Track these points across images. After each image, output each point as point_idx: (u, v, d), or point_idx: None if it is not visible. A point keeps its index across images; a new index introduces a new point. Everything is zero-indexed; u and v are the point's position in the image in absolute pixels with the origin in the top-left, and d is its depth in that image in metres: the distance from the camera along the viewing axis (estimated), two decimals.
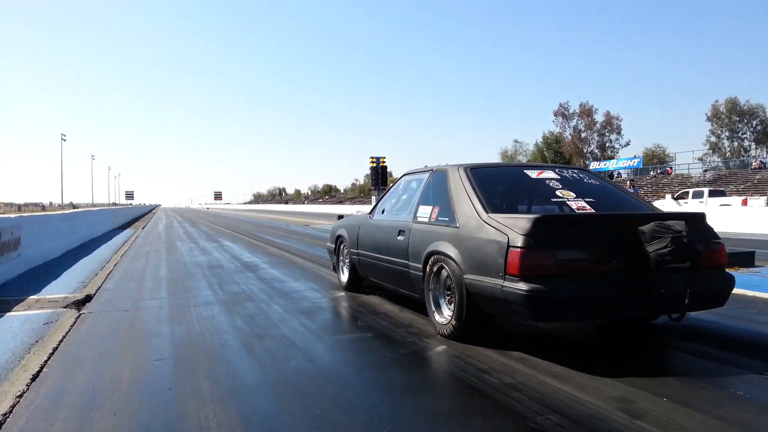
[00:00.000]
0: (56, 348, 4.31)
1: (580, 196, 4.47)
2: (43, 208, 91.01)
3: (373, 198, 23.92)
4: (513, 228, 3.73)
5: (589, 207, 4.31)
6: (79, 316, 5.51)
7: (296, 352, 4.10)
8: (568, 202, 4.38)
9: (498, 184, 4.84)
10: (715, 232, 4.10)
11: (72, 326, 5.05)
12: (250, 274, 8.42)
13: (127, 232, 21.56)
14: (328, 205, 74.18)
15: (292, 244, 14.17)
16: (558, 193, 4.51)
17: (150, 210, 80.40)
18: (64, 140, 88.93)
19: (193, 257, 11.18)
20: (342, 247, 6.91)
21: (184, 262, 10.36)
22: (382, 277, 5.79)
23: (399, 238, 5.19)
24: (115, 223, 25.06)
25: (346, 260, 6.76)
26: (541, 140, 77.84)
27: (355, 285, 6.60)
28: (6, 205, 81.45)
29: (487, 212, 4.13)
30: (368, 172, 29.25)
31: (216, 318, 5.33)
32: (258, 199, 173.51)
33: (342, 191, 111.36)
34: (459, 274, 4.14)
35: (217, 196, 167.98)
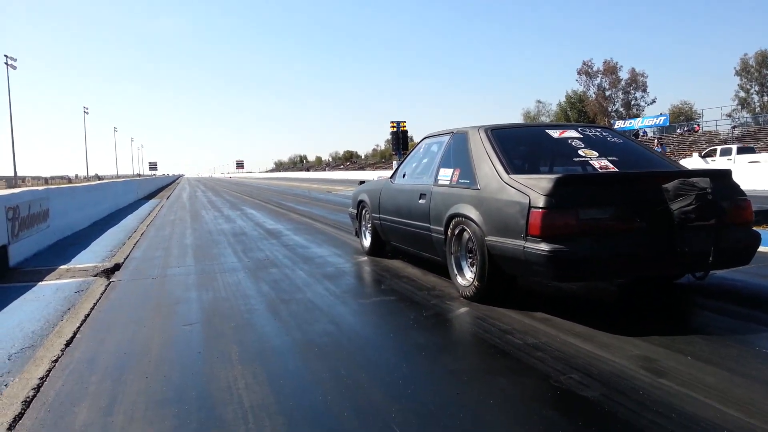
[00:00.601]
0: (88, 315, 4.44)
1: (603, 155, 4.44)
2: (69, 180, 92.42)
3: (394, 163, 23.87)
4: (534, 188, 3.75)
5: (612, 166, 4.29)
6: (109, 284, 5.65)
7: (321, 315, 4.16)
8: (590, 162, 4.36)
9: (519, 145, 4.84)
10: (741, 189, 4.07)
11: (102, 294, 5.18)
12: (274, 241, 8.51)
13: (152, 202, 21.88)
14: (350, 172, 74.26)
15: (314, 211, 14.25)
16: (580, 152, 4.49)
17: (174, 180, 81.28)
18: (87, 113, 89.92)
19: (218, 225, 11.32)
20: (364, 212, 6.97)
21: (209, 230, 10.50)
22: (404, 241, 5.85)
23: (420, 201, 5.24)
24: (140, 193, 25.41)
25: (368, 225, 6.81)
26: (565, 100, 76.53)
27: (377, 249, 6.66)
28: (33, 178, 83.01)
29: (509, 173, 4.13)
30: (389, 137, 29.09)
31: (242, 284, 5.42)
32: (279, 167, 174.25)
33: (363, 157, 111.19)
34: (480, 236, 4.18)
35: (239, 165, 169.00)
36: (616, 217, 3.65)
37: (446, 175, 4.95)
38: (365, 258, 6.65)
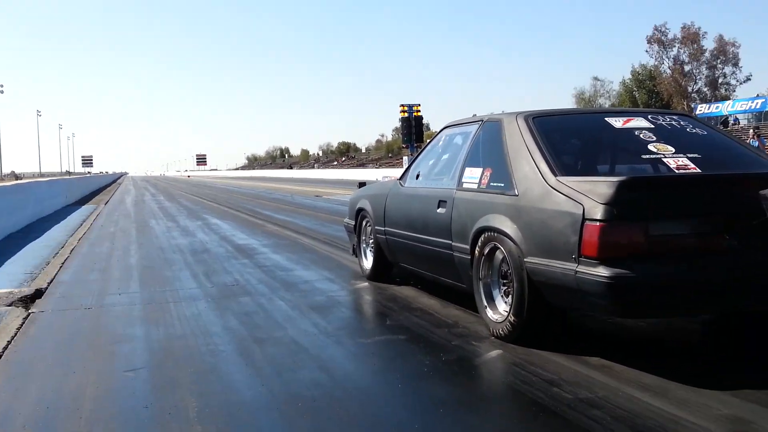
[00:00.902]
0: None
1: (681, 151, 4.38)
2: None
3: (405, 159, 23.88)
4: (590, 195, 3.68)
5: (693, 165, 4.23)
6: (28, 315, 5.66)
7: (307, 359, 4.17)
8: (664, 160, 4.31)
9: (571, 138, 4.91)
10: None
11: (19, 329, 5.19)
12: (246, 261, 8.54)
13: (87, 208, 21.99)
14: (346, 170, 74.51)
15: (299, 221, 14.27)
16: (651, 147, 4.43)
17: (114, 180, 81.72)
18: (1, 92, 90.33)
19: (172, 240, 11.37)
20: (365, 223, 6.95)
21: (161, 245, 10.54)
22: (416, 262, 5.87)
23: (439, 210, 5.22)
24: (70, 197, 25.52)
25: (370, 241, 6.79)
26: (630, 77, 76.77)
27: (381, 272, 6.66)
28: None
29: (556, 175, 4.08)
30: (397, 124, 29.12)
31: (203, 317, 5.43)
32: (254, 163, 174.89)
33: (363, 150, 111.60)
34: (518, 256, 4.14)
35: (201, 160, 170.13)
36: (698, 233, 3.64)
37: (473, 176, 4.92)
38: (366, 284, 6.65)
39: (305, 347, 4.45)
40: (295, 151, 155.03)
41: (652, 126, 4.67)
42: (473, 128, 5.30)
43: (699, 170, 4.18)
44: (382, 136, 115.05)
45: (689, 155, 4.30)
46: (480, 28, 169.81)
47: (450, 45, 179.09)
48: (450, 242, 4.99)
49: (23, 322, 5.40)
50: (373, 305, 5.78)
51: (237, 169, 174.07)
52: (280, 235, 11.54)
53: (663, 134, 4.59)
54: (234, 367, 4.08)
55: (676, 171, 4.19)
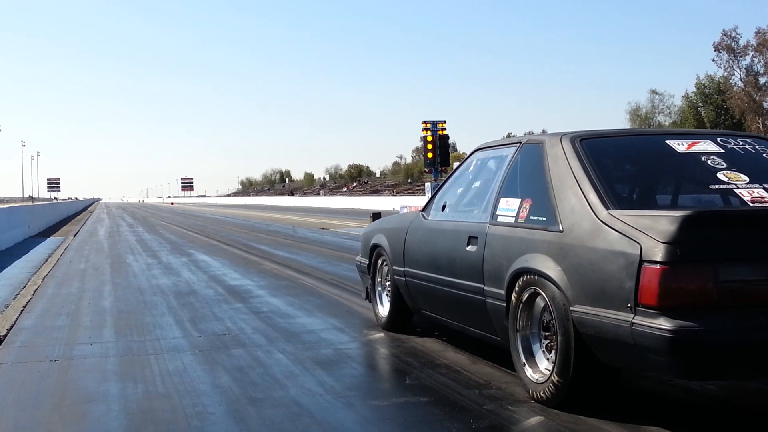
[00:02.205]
0: None
1: (756, 180, 4.36)
2: None
3: (428, 185, 23.90)
4: (649, 232, 3.65)
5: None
6: None
7: (311, 425, 4.16)
8: (737, 191, 4.29)
9: (626, 164, 4.95)
10: None
11: None
12: (239, 305, 8.57)
13: (53, 240, 22.16)
14: (357, 197, 74.74)
15: (302, 259, 14.31)
16: (721, 175, 4.41)
17: (85, 207, 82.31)
18: None
19: (153, 279, 11.43)
20: (381, 263, 6.96)
21: (139, 286, 10.60)
22: (442, 309, 5.87)
23: (469, 248, 5.19)
24: (33, 227, 25.76)
25: (387, 283, 6.78)
26: (694, 90, 76.76)
27: (400, 321, 6.67)
28: None
29: (608, 208, 4.06)
30: (418, 145, 29.11)
31: (189, 372, 5.44)
32: (248, 188, 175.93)
33: (378, 175, 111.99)
34: (563, 304, 4.10)
35: (187, 185, 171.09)
36: None
37: (510, 208, 4.89)
38: (381, 334, 6.66)
39: (309, 410, 4.44)
40: (298, 175, 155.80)
41: (722, 151, 4.66)
42: (510, 151, 5.28)
43: None
44: (400, 158, 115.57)
45: (766, 185, 4.30)
46: (516, 38, 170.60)
47: (480, 56, 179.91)
48: (482, 286, 4.97)
49: None
50: (389, 361, 5.77)
51: (229, 195, 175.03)
52: (280, 275, 11.57)
53: (735, 160, 4.58)
54: None
55: (751, 204, 4.17)
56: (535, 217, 4.58)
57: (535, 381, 4.39)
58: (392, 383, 5.17)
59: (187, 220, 38.53)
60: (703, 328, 3.41)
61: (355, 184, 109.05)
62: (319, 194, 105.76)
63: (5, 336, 6.94)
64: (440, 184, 6.52)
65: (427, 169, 24.66)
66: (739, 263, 3.58)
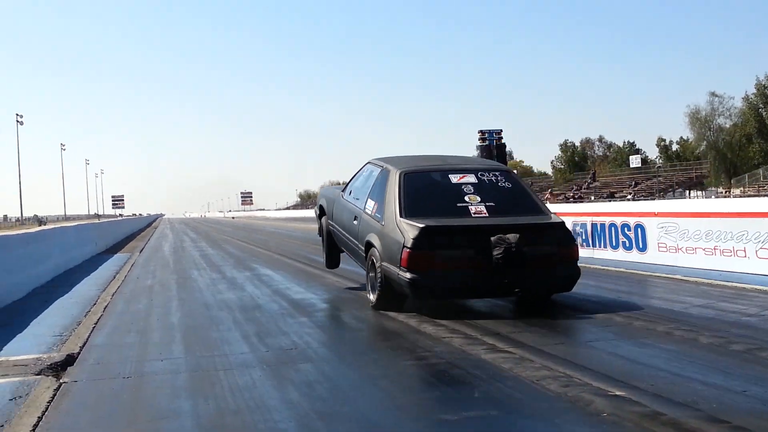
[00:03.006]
0: None
1: (484, 200, 8.59)
2: None
3: None
4: (407, 233, 7.95)
5: (485, 211, 8.45)
6: (60, 386, 5.80)
7: None
8: (470, 207, 8.51)
9: (423, 188, 8.97)
10: (570, 236, 8.77)
11: (50, 402, 5.32)
12: (304, 319, 8.62)
13: (120, 256, 22.48)
14: None
15: (363, 271, 14.30)
16: (466, 198, 8.63)
17: (149, 223, 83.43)
18: (21, 123, 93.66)
19: (218, 294, 11.55)
20: (323, 216, 11.73)
21: (205, 301, 10.73)
22: (347, 252, 10.66)
23: (354, 222, 9.67)
24: (100, 244, 26.15)
25: (324, 226, 11.70)
26: (755, 91, 75.15)
27: (334, 255, 11.72)
28: None
29: (401, 216, 8.25)
30: (474, 153, 28.93)
31: (258, 387, 5.49)
32: (307, 201, 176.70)
33: None
34: (380, 262, 8.44)
35: (246, 199, 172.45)
36: (463, 257, 7.94)
37: (370, 205, 9.23)
38: (453, 347, 6.66)
39: (379, 424, 4.46)
40: None
41: (476, 182, 8.90)
42: (378, 170, 9.66)
43: (488, 214, 8.41)
44: None
45: (487, 204, 8.51)
46: (571, 41, 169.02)
47: (536, 62, 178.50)
48: (359, 244, 9.36)
49: (54, 395, 5.54)
50: (457, 374, 5.75)
51: (288, 208, 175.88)
52: (342, 288, 11.61)
53: (480, 188, 8.79)
54: None
55: (473, 215, 8.38)
56: (377, 214, 8.90)
57: (371, 299, 8.88)
58: (463, 396, 5.14)
59: (249, 234, 38.87)
60: (422, 278, 7.80)
61: None
62: None
63: (78, 353, 7.06)
64: (353, 176, 10.95)
65: None
66: (444, 249, 7.93)
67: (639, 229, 13.62)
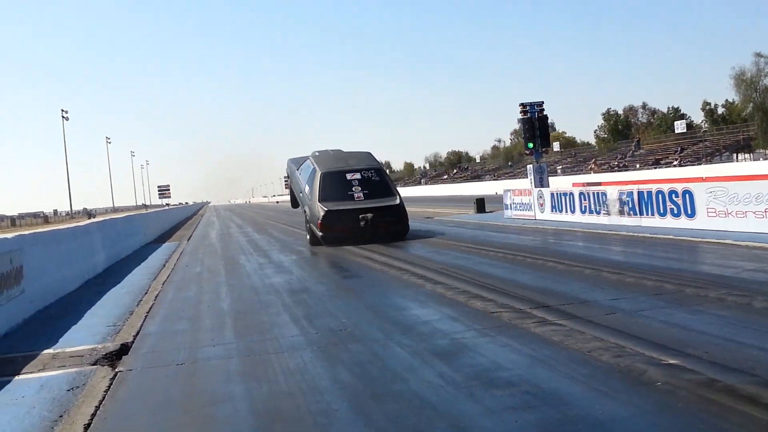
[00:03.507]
0: (88, 425, 4.64)
1: (362, 189, 17.80)
2: (46, 219, 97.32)
3: (530, 168, 23.58)
4: (320, 212, 17.24)
5: (362, 197, 17.63)
6: (116, 375, 5.90)
7: (435, 418, 4.18)
8: (355, 195, 17.65)
9: (331, 183, 17.92)
10: (402, 210, 17.98)
11: (107, 391, 5.42)
12: (351, 300, 8.63)
13: (167, 246, 22.73)
14: (459, 184, 74.41)
15: (408, 249, 14.39)
16: (354, 189, 17.74)
17: (195, 211, 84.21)
18: (66, 119, 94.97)
19: (266, 278, 11.64)
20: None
21: (254, 286, 10.82)
22: (305, 220, 19.30)
23: (300, 194, 19.78)
24: (148, 234, 26.47)
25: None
26: None
27: (294, 202, 22.62)
28: None
29: (318, 201, 17.44)
30: (516, 127, 28.80)
31: (309, 369, 5.53)
32: None
33: (478, 160, 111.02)
34: (310, 225, 18.25)
35: (289, 182, 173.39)
36: (347, 225, 17.04)
37: (308, 189, 18.65)
38: (501, 321, 6.64)
39: (431, 403, 4.45)
40: (398, 165, 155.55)
41: (360, 177, 18.17)
42: (311, 168, 18.98)
43: (363, 199, 17.61)
44: (499, 141, 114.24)
45: (364, 191, 17.78)
46: (609, 4, 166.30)
47: (574, 32, 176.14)
48: (303, 207, 19.59)
49: (110, 383, 5.63)
50: (508, 348, 5.71)
51: None
52: (389, 267, 11.62)
53: (362, 181, 18.06)
54: (352, 430, 4.12)
55: (356, 199, 17.57)
56: (309, 195, 18.35)
57: (307, 238, 18.58)
58: (513, 368, 5.11)
59: (292, 217, 38.90)
60: (326, 235, 17.16)
61: (455, 171, 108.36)
62: (420, 183, 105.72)
63: (132, 342, 7.16)
64: (302, 160, 20.97)
65: (527, 151, 24.22)
66: (337, 221, 17.08)
67: (687, 195, 13.42)
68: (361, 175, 18.25)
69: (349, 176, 18.07)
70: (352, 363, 5.61)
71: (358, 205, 17.28)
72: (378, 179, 18.40)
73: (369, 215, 16.88)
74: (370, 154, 21.15)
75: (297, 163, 21.42)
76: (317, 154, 20.57)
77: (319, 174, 18.15)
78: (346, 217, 16.95)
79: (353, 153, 20.93)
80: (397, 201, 17.83)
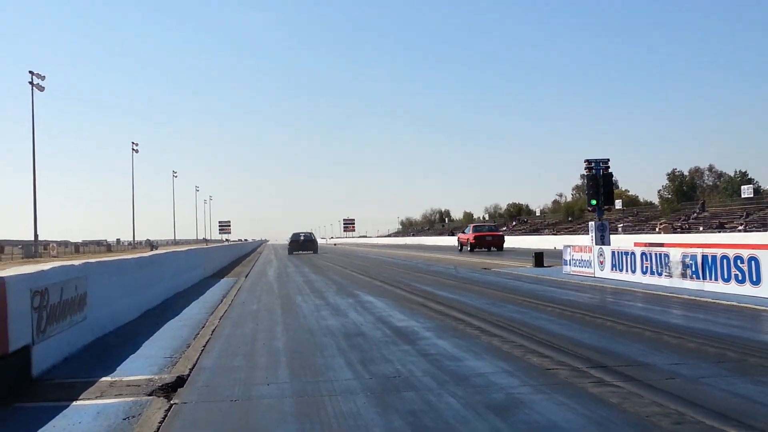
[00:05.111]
0: None
1: (304, 238, 59.18)
2: (109, 248, 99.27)
3: (592, 225, 23.39)
4: (290, 247, 59.64)
5: (303, 238, 58.99)
6: (170, 407, 5.98)
7: None
8: (301, 237, 59.03)
9: (294, 238, 59.08)
10: (315, 242, 60.43)
11: (162, 423, 5.50)
12: (407, 347, 8.63)
13: (226, 281, 22.97)
14: (518, 236, 73.98)
15: (465, 300, 14.27)
16: (301, 236, 58.95)
17: (254, 248, 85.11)
18: (136, 151, 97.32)
19: (322, 320, 11.68)
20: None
21: (309, 327, 10.86)
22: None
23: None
24: (208, 268, 26.80)
25: None
26: None
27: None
28: (60, 244, 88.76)
29: (290, 245, 59.65)
30: (578, 182, 28.59)
31: (362, 414, 5.53)
32: (408, 228, 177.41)
33: (538, 213, 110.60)
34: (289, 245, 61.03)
35: (348, 225, 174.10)
36: (294, 242, 59.59)
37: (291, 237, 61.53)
38: (544, 388, 6.55)
39: None
40: (457, 214, 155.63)
41: (304, 235, 59.50)
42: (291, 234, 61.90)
43: (303, 239, 59.42)
44: (560, 195, 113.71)
45: (303, 236, 59.72)
46: (679, 68, 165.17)
47: (644, 91, 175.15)
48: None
49: (165, 415, 5.71)
50: (564, 406, 5.65)
51: (389, 235, 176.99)
52: (445, 316, 11.58)
53: (305, 236, 59.38)
54: None
55: (301, 240, 59.14)
56: (290, 239, 61.97)
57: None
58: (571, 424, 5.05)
59: (350, 260, 39.20)
60: (291, 250, 59.65)
61: (514, 223, 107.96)
62: None
63: (188, 375, 7.25)
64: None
65: (589, 208, 24.05)
66: (293, 246, 58.88)
67: (753, 262, 13.15)
68: (304, 235, 57.56)
69: (300, 236, 57.23)
70: (405, 411, 5.60)
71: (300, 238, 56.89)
72: (310, 234, 59.27)
73: (302, 237, 56.90)
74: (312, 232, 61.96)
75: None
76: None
77: (291, 235, 58.68)
78: (296, 242, 56.38)
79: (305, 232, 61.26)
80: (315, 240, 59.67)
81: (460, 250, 47.81)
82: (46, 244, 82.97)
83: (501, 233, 51.56)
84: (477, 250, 44.46)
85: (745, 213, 60.32)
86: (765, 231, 44.74)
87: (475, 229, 47.24)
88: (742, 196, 64.11)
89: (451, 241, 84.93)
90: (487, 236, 45.40)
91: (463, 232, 50.82)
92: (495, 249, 44.46)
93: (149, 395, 6.42)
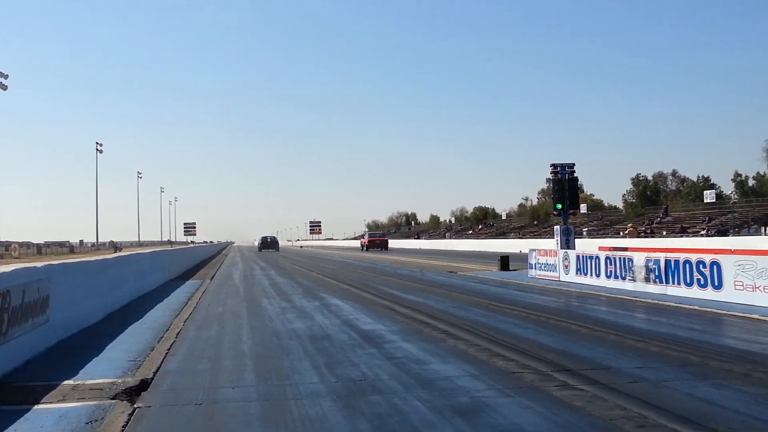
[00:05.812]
0: None
1: (268, 238, 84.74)
2: (72, 249, 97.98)
3: (557, 228, 23.52)
4: (257, 243, 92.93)
5: (270, 240, 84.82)
6: (134, 411, 5.92)
7: None
8: (268, 238, 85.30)
9: (262, 240, 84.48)
10: (277, 242, 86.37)
11: (125, 427, 5.44)
12: (373, 350, 8.63)
13: (191, 283, 22.80)
14: (484, 240, 74.30)
15: (432, 303, 14.30)
16: (268, 238, 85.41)
17: (220, 250, 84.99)
18: (100, 152, 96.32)
19: (288, 323, 11.64)
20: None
21: (275, 330, 10.82)
22: None
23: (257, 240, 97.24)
24: (173, 270, 26.58)
25: None
26: None
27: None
28: (22, 245, 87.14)
29: (258, 243, 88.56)
30: (544, 186, 28.88)
31: (328, 418, 5.52)
32: (374, 231, 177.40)
33: (504, 217, 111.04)
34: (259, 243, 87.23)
35: (314, 228, 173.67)
36: (263, 243, 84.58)
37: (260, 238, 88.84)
38: (507, 392, 6.57)
39: None
40: (423, 218, 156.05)
41: (271, 237, 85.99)
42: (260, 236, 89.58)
43: (270, 240, 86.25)
44: (526, 200, 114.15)
45: (269, 237, 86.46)
46: (643, 74, 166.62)
47: (609, 96, 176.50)
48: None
49: (129, 420, 5.66)
50: (529, 410, 5.68)
51: (356, 238, 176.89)
52: (411, 320, 11.60)
53: (270, 238, 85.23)
54: None
55: (269, 240, 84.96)
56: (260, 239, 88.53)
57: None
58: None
59: (317, 263, 39.13)
60: (260, 247, 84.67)
61: (480, 227, 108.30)
62: (444, 237, 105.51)
63: (152, 378, 7.19)
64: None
65: (555, 212, 24.21)
66: (263, 245, 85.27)
67: (715, 267, 13.34)
68: (269, 237, 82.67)
69: (268, 239, 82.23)
70: (371, 414, 5.59)
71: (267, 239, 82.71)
72: (275, 236, 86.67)
73: (269, 239, 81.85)
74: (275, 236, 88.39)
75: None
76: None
77: (260, 237, 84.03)
78: (266, 242, 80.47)
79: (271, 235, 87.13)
80: (277, 241, 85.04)
81: (362, 249, 72.20)
82: (7, 245, 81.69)
83: (386, 238, 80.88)
84: (370, 249, 70.43)
85: (707, 218, 61.04)
86: (726, 236, 45.33)
87: (370, 235, 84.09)
88: (705, 201, 64.81)
89: (418, 244, 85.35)
90: (377, 240, 75.61)
91: (363, 237, 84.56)
92: (383, 249, 70.51)
93: (112, 399, 6.35)
